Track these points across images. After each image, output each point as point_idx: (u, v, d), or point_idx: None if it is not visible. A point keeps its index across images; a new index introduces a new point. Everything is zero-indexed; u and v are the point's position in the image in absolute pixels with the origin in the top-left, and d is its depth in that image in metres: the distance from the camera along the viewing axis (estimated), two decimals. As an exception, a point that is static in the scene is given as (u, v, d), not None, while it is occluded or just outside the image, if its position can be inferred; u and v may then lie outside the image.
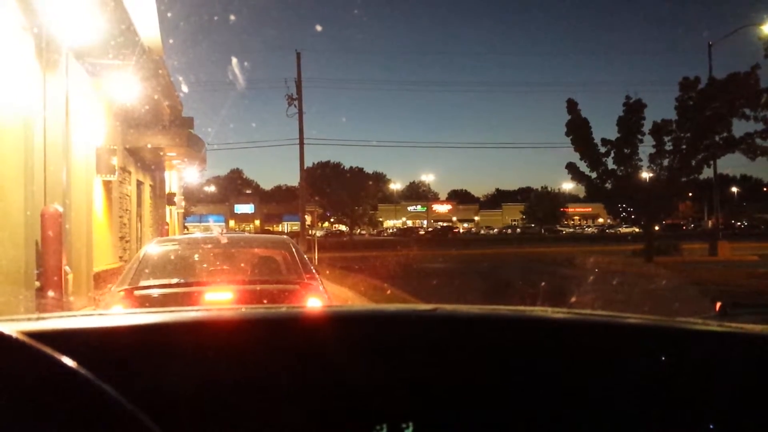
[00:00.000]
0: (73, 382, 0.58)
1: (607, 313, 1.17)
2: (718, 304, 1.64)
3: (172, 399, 0.89)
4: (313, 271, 6.15)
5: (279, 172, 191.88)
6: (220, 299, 5.33)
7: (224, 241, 6.73)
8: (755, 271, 19.80)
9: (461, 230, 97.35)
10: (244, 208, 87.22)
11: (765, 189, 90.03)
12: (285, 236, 7.54)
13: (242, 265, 6.64)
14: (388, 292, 13.43)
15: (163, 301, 5.26)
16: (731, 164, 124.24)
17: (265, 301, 5.26)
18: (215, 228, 41.86)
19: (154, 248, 6.36)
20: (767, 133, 21.02)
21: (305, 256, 6.48)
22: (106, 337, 0.99)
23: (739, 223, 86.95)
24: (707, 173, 27.31)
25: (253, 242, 7.99)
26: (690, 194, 53.79)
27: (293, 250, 6.33)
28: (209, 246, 6.76)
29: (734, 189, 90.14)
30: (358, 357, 0.99)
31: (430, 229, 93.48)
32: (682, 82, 24.18)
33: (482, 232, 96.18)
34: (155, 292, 5.40)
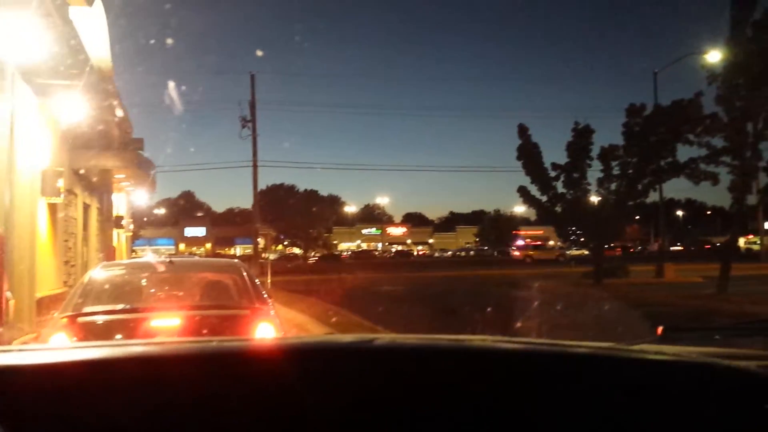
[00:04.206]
0: None
1: (541, 341, 1.17)
2: (659, 329, 1.66)
3: None
4: (264, 295, 6.06)
5: (232, 194, 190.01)
6: (166, 325, 5.19)
7: (171, 265, 6.58)
8: (699, 292, 20.35)
9: (417, 253, 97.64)
10: (195, 231, 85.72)
11: (708, 213, 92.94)
12: (235, 260, 7.42)
13: (191, 290, 6.50)
14: (338, 316, 13.35)
15: (108, 328, 5.10)
16: (676, 188, 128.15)
17: (205, 330, 5.14)
18: (150, 252, 40.97)
19: (99, 273, 6.19)
20: (710, 158, 21.72)
21: (256, 280, 6.39)
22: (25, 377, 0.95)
23: (683, 247, 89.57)
24: (654, 197, 28.17)
25: (202, 266, 7.85)
26: (637, 217, 55.27)
27: (244, 274, 6.23)
28: (157, 270, 6.61)
29: (679, 212, 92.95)
30: (288, 390, 0.96)
31: (392, 252, 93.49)
32: (629, 109, 24.92)
33: (436, 254, 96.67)
34: (99, 319, 5.24)
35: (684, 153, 23.65)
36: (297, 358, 1.04)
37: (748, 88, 18.66)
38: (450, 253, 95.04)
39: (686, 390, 0.97)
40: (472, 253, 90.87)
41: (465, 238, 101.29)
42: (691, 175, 23.07)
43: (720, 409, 0.96)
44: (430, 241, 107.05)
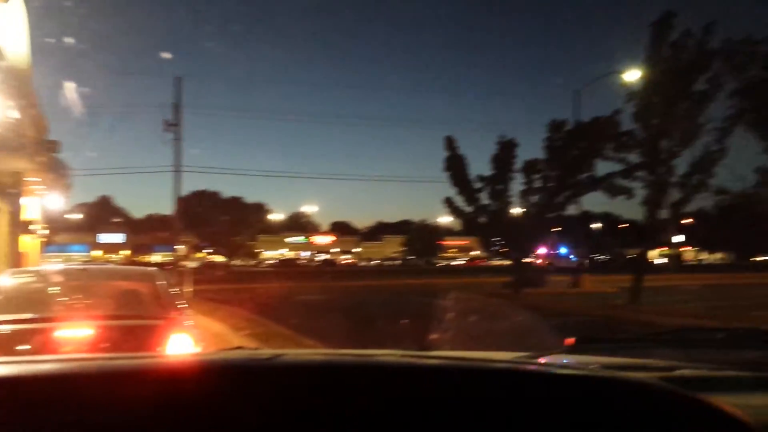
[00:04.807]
0: None
1: (446, 355, 1.16)
2: (569, 340, 1.68)
3: None
4: (182, 304, 5.90)
5: (152, 200, 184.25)
6: (76, 336, 4.99)
7: (84, 272, 6.33)
8: (613, 302, 21.16)
9: (344, 262, 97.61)
10: (112, 238, 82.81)
11: (623, 225, 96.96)
12: (152, 268, 7.19)
13: (104, 299, 6.24)
14: (259, 326, 13.20)
15: (13, 339, 4.87)
16: (594, 202, 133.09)
17: (118, 341, 4.96)
18: (57, 260, 39.34)
19: (6, 281, 5.90)
20: (626, 173, 22.62)
21: (173, 289, 6.21)
22: None
23: (603, 257, 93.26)
24: (573, 209, 29.14)
25: (116, 274, 7.55)
26: (556, 229, 57.05)
27: (160, 282, 6.05)
28: (68, 278, 6.34)
29: (597, 225, 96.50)
30: (186, 409, 0.91)
31: (318, 261, 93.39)
32: (551, 124, 25.74)
33: (362, 263, 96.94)
34: (5, 329, 4.99)
35: (602, 168, 24.58)
36: (197, 376, 0.98)
37: (663, 107, 19.58)
38: (376, 262, 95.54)
39: (584, 404, 0.98)
40: (398, 262, 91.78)
41: (391, 248, 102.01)
42: (608, 189, 23.99)
43: (618, 423, 0.97)
44: (357, 250, 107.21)
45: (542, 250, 46.16)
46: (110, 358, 1.11)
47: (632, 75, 22.14)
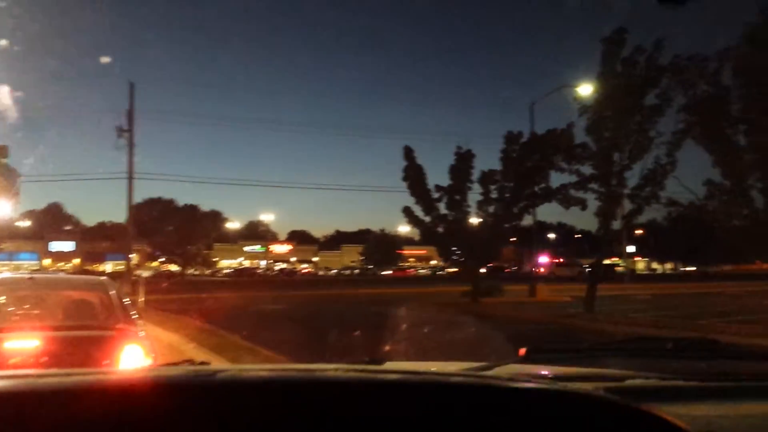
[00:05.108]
0: None
1: (397, 366, 1.15)
2: (522, 350, 1.70)
3: None
4: (134, 315, 5.78)
5: (104, 207, 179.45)
6: (24, 347, 4.85)
7: (33, 282, 6.15)
8: (568, 311, 21.51)
9: (302, 271, 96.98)
10: (63, 246, 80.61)
11: (577, 236, 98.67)
12: (103, 277, 7.02)
13: (52, 309, 6.07)
14: (212, 336, 13.04)
15: None
16: (549, 212, 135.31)
17: (67, 353, 4.82)
18: (4, 268, 38.20)
19: None
20: (580, 185, 23.04)
21: (125, 299, 6.08)
22: None
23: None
24: (528, 220, 29.57)
25: (65, 284, 7.36)
26: (512, 239, 57.82)
27: (111, 292, 5.92)
28: (16, 288, 6.16)
29: (552, 235, 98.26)
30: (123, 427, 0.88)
31: (276, 270, 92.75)
32: (507, 136, 26.04)
33: (321, 273, 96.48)
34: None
35: (556, 179, 25.00)
36: (133, 394, 0.95)
37: (615, 120, 20.02)
38: (334, 271, 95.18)
39: (529, 417, 0.98)
40: (357, 272, 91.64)
41: (350, 257, 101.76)
42: (562, 200, 24.41)
43: None
44: (315, 259, 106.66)
45: (544, 259, 46.59)
46: (42, 375, 1.07)
47: (585, 89, 22.62)
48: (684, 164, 19.35)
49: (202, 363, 1.52)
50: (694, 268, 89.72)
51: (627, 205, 21.21)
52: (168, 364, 1.56)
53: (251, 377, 1.11)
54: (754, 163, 14.99)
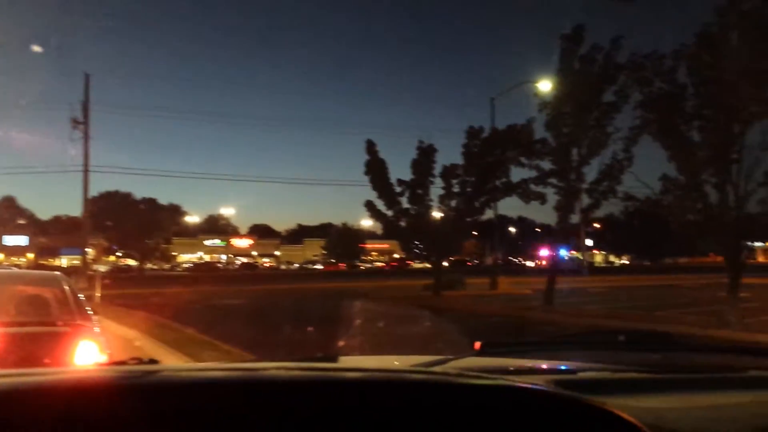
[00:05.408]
0: None
1: (350, 362, 1.13)
2: (477, 344, 1.70)
3: None
4: (89, 311, 5.66)
5: (59, 201, 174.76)
6: (-25, 344, 4.70)
7: None
8: (528, 304, 21.82)
9: (263, 265, 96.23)
10: (16, 240, 78.46)
11: (537, 229, 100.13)
12: (56, 272, 6.84)
13: (4, 304, 5.91)
14: (169, 331, 12.90)
15: None
16: (509, 206, 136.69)
17: (21, 349, 4.70)
18: None
19: None
20: (539, 179, 23.33)
21: (80, 295, 5.95)
22: None
23: (519, 260, 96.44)
24: (489, 214, 29.85)
25: (17, 278, 7.16)
26: (474, 233, 58.40)
27: (65, 287, 5.79)
28: None
29: (512, 229, 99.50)
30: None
31: (237, 264, 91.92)
32: (468, 131, 26.22)
33: (282, 267, 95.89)
34: None
35: (517, 174, 25.25)
36: (70, 395, 0.92)
37: (573, 116, 20.30)
38: (296, 265, 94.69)
39: (479, 412, 0.98)
40: (318, 266, 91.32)
41: (312, 251, 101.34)
42: (522, 194, 24.72)
43: (512, 430, 0.97)
44: (277, 253, 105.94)
45: (544, 252, 46.63)
46: None
47: (545, 85, 22.87)
48: (640, 160, 19.72)
49: (151, 361, 1.49)
50: (650, 262, 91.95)
51: (585, 200, 21.56)
52: (115, 363, 1.52)
53: (190, 377, 1.09)
54: (707, 159, 15.32)
